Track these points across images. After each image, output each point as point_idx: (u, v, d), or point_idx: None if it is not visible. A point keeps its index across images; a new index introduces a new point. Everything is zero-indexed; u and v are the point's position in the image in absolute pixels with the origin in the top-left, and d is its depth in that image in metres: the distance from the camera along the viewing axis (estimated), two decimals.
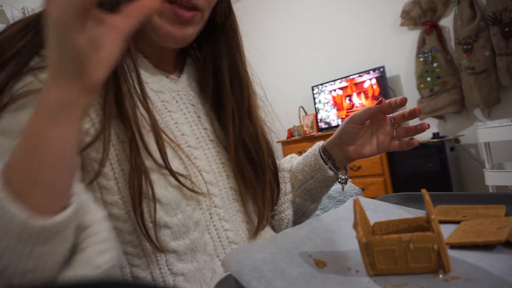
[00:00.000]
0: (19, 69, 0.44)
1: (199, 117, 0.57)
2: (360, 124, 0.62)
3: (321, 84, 3.30)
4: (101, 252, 0.35)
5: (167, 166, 0.46)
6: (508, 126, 2.07)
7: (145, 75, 0.53)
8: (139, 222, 0.44)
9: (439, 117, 2.80)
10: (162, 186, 0.46)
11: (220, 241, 0.52)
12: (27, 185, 0.31)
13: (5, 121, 0.42)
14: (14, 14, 3.02)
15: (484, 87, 2.46)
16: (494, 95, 2.48)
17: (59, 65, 0.30)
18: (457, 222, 0.43)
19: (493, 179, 2.15)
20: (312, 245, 0.39)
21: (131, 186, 0.44)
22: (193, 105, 0.57)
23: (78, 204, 0.34)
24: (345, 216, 0.48)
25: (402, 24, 2.93)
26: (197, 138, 0.55)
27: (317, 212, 1.06)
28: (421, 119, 2.84)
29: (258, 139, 0.60)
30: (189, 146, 0.53)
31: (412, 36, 2.90)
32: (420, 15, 2.77)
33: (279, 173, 0.67)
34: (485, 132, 2.18)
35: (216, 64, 0.59)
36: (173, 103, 0.54)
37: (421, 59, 2.74)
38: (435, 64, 2.68)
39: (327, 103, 3.27)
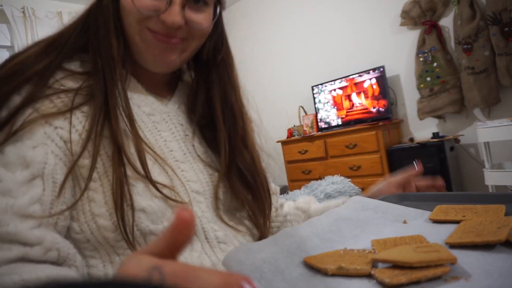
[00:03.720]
0: (34, 94, 0.47)
1: (187, 135, 0.60)
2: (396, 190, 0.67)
3: (321, 84, 3.30)
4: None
5: (148, 176, 0.49)
6: (507, 126, 2.07)
7: (138, 99, 0.57)
8: (122, 231, 0.47)
9: (439, 117, 2.80)
10: (147, 197, 0.49)
11: (208, 241, 0.54)
12: None
13: (7, 153, 0.44)
14: (14, 14, 3.02)
15: (483, 87, 2.46)
16: (494, 95, 2.48)
17: None
18: (457, 222, 0.43)
19: (492, 179, 2.15)
20: (312, 245, 0.39)
21: (114, 197, 0.47)
22: (181, 125, 0.60)
23: None
24: (345, 216, 0.48)
25: (402, 24, 2.93)
26: (184, 154, 0.58)
27: None
28: (421, 119, 2.84)
29: (255, 166, 0.63)
30: (176, 161, 0.56)
31: (412, 36, 2.90)
32: (420, 15, 2.77)
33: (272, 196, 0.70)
34: (485, 132, 2.18)
35: (208, 94, 0.62)
36: (163, 124, 0.58)
37: (421, 59, 2.74)
38: (435, 64, 2.68)
39: (327, 103, 3.27)
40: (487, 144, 2.27)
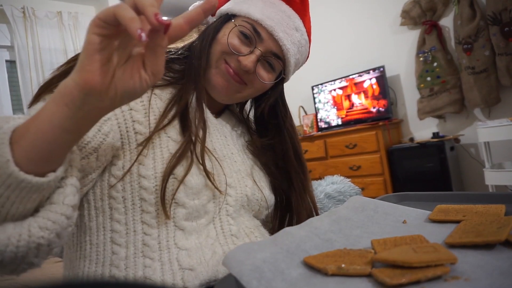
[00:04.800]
0: None
1: (228, 145, 0.71)
2: None
3: (321, 84, 3.30)
4: (40, 227, 0.41)
5: (202, 162, 0.60)
6: (508, 126, 2.07)
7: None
8: (161, 194, 0.54)
9: (439, 116, 2.80)
10: (192, 174, 0.58)
11: (223, 232, 0.61)
12: (19, 137, 0.38)
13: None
14: (14, 13, 3.02)
15: (484, 87, 2.46)
16: (494, 94, 2.48)
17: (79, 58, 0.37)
18: (457, 222, 0.43)
19: (493, 178, 2.15)
20: (312, 245, 0.39)
21: (168, 165, 0.56)
22: (225, 137, 0.71)
23: (56, 178, 0.41)
24: (345, 215, 0.48)
25: (402, 24, 2.93)
26: (224, 156, 0.68)
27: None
28: (421, 119, 2.84)
29: (314, 208, 0.77)
30: (217, 156, 0.65)
31: (412, 36, 2.90)
32: (420, 15, 2.77)
33: None
34: (485, 131, 2.18)
35: (283, 148, 0.77)
36: (210, 129, 0.69)
37: (421, 58, 2.74)
38: (435, 64, 2.68)
39: (327, 102, 3.27)
40: (487, 144, 2.27)
